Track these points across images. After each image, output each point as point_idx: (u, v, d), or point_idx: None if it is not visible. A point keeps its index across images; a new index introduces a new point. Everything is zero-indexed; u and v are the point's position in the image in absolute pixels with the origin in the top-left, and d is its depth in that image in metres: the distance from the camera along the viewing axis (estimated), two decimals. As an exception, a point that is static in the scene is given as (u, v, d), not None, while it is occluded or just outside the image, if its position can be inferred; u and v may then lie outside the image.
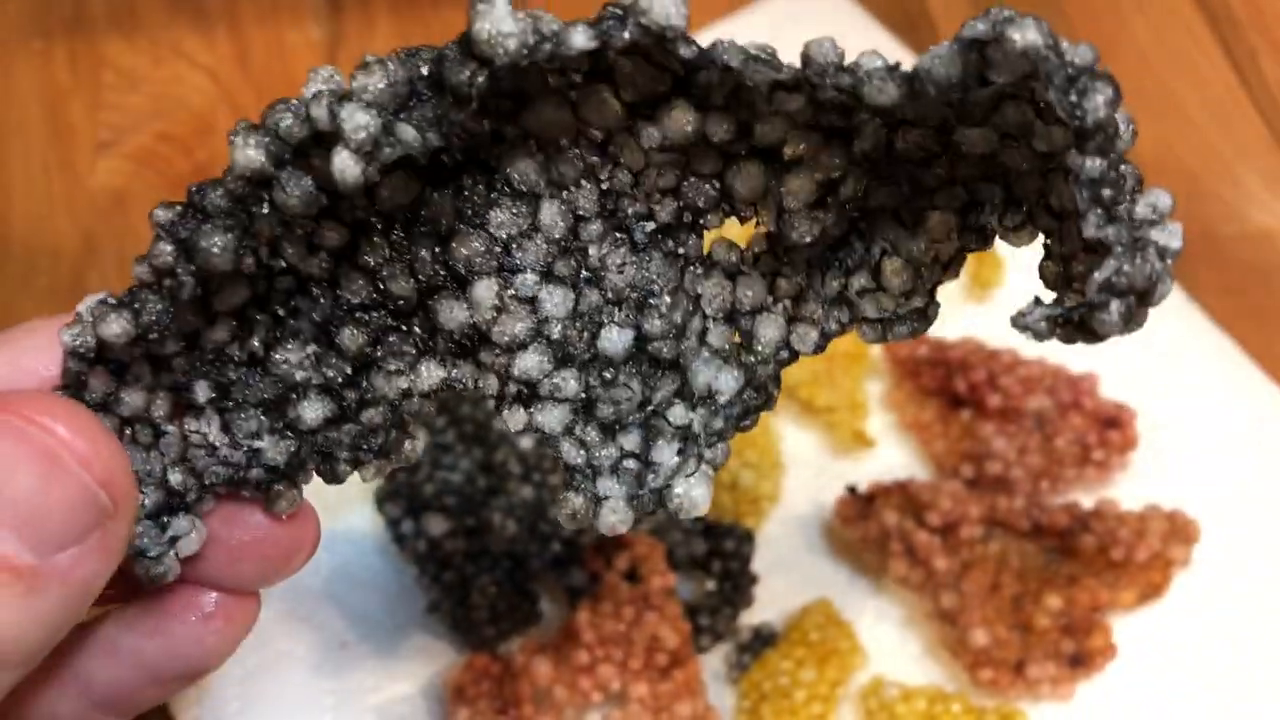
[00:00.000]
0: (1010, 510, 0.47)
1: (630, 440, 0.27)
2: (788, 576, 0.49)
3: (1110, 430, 0.49)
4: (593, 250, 0.26)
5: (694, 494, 0.26)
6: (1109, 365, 0.52)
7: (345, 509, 0.50)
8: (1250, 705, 0.46)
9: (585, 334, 0.26)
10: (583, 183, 0.26)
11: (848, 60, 0.25)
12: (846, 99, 0.24)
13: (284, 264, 0.26)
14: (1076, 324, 0.24)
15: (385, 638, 0.47)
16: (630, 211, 0.26)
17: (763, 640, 0.47)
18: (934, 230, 0.26)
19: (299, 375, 0.27)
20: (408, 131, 0.23)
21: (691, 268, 0.27)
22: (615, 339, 0.26)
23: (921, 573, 0.47)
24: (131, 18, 0.66)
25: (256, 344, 0.26)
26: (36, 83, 0.64)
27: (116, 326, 0.25)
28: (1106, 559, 0.46)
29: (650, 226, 0.26)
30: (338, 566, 0.49)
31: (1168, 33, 0.66)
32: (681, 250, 0.27)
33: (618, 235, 0.26)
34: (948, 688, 0.46)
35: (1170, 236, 0.24)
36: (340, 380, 0.27)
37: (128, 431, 0.26)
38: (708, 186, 0.26)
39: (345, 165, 0.23)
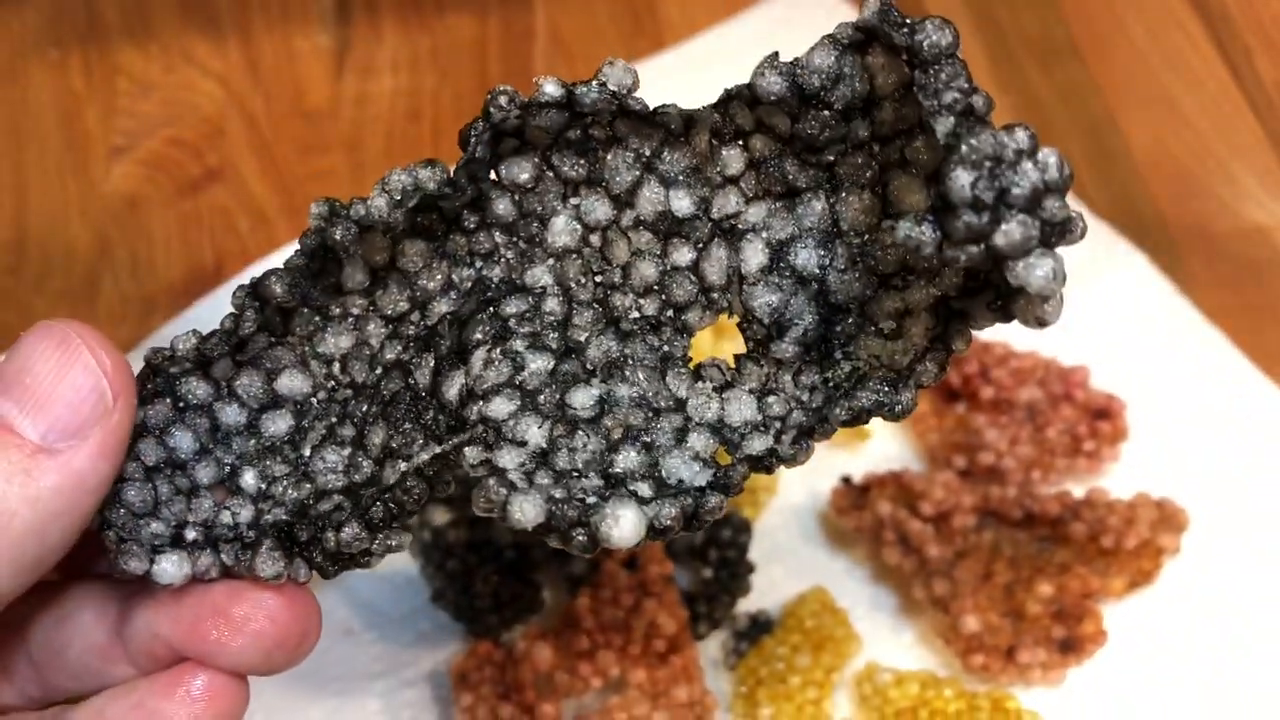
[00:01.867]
0: (1002, 499, 0.48)
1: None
2: (784, 565, 0.50)
3: (1101, 421, 0.50)
4: (581, 335, 0.29)
5: (621, 520, 0.26)
6: (1100, 358, 0.53)
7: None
8: (1238, 690, 0.46)
9: (557, 392, 0.28)
10: (583, 279, 0.29)
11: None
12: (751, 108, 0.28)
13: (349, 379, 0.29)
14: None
15: (390, 626, 0.49)
16: (619, 304, 0.29)
17: (759, 628, 0.48)
18: (912, 335, 0.28)
19: (332, 481, 0.29)
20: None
21: (676, 367, 0.29)
22: (581, 397, 0.28)
23: (915, 561, 0.48)
24: (144, 26, 0.67)
25: (308, 450, 0.29)
26: (52, 90, 0.65)
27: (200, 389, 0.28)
28: (1097, 547, 0.47)
29: (635, 316, 0.29)
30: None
31: (1163, 32, 0.67)
32: (666, 348, 0.29)
33: (606, 324, 0.29)
34: (940, 674, 0.47)
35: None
36: (362, 481, 0.29)
37: (164, 467, 0.28)
38: (685, 279, 0.29)
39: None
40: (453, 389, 0.28)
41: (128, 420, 0.26)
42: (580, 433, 0.28)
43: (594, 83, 0.27)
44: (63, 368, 0.25)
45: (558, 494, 0.27)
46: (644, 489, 0.27)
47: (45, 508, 0.25)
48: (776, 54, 0.27)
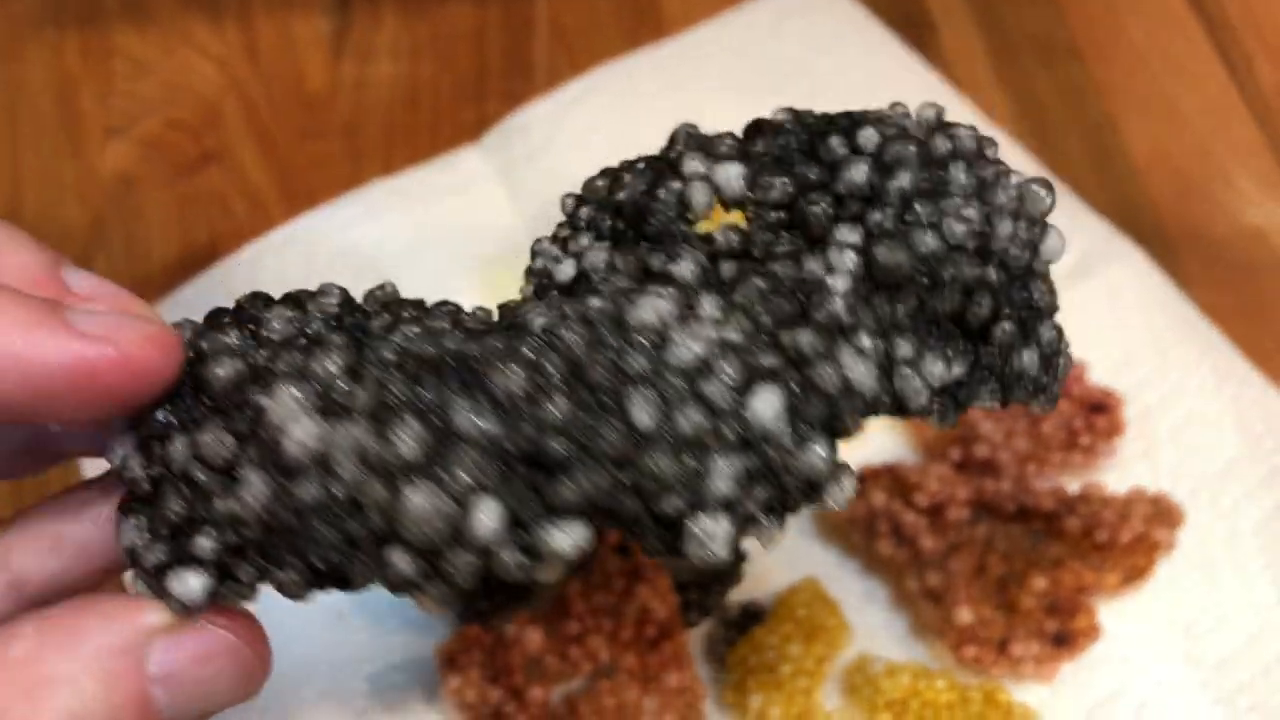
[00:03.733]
0: (997, 493, 0.48)
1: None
2: (776, 556, 0.50)
3: (1097, 415, 0.50)
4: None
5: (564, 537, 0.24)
6: (1097, 353, 0.52)
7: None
8: (1231, 685, 0.46)
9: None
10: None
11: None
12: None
13: None
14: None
15: (381, 610, 0.48)
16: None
17: (750, 617, 0.48)
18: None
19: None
20: None
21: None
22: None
23: (908, 552, 0.47)
24: (142, 8, 0.67)
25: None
26: (48, 71, 0.65)
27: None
28: (1091, 541, 0.47)
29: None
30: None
31: (1163, 36, 0.67)
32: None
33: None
34: (932, 666, 0.46)
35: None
36: None
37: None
38: None
39: None
40: None
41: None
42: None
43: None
44: None
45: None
46: None
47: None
48: None
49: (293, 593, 0.26)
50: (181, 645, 0.25)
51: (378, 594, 0.49)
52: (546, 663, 0.44)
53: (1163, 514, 0.47)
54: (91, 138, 0.63)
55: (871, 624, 0.48)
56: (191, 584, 0.25)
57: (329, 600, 0.49)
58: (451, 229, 0.58)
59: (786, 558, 0.50)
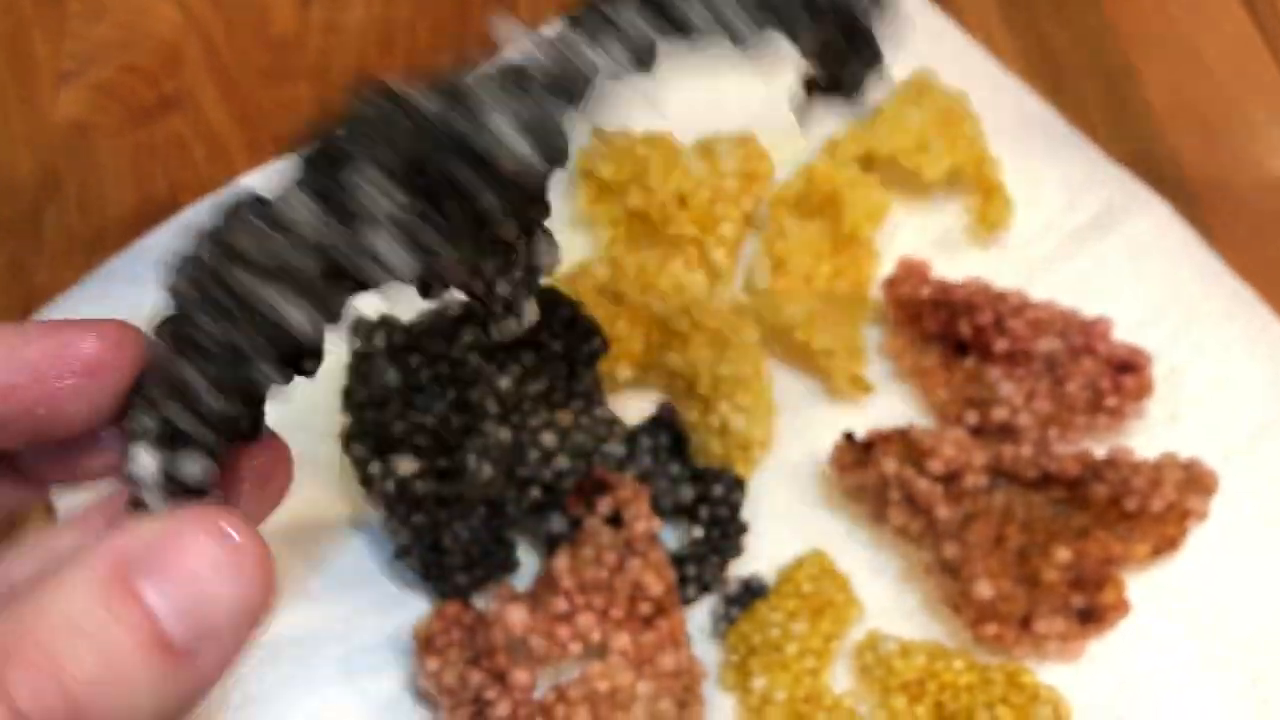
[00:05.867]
0: (1017, 459, 0.45)
1: None
2: (779, 527, 0.47)
3: (1124, 375, 0.46)
4: None
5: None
6: (1120, 310, 0.49)
7: (309, 451, 0.47)
8: (1270, 662, 0.43)
9: None
10: None
11: None
12: None
13: None
14: None
15: (350, 587, 0.45)
16: None
17: (752, 592, 0.44)
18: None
19: None
20: None
21: None
22: None
23: (922, 522, 0.44)
24: (98, -54, 0.63)
25: None
26: (-3, 13, 0.61)
27: None
28: (1119, 510, 0.44)
29: None
30: (300, 511, 0.46)
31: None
32: None
33: None
34: (949, 645, 0.43)
35: None
36: None
37: None
38: None
39: None
40: None
41: None
42: None
43: None
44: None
45: None
46: None
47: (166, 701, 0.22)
48: None
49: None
50: (163, 539, 0.23)
51: (346, 569, 0.45)
52: (532, 644, 0.40)
53: (1196, 480, 0.44)
54: (43, 84, 0.59)
55: (882, 600, 0.45)
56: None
57: (294, 578, 0.45)
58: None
59: (791, 529, 0.47)
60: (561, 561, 0.42)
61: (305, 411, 0.48)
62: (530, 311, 0.31)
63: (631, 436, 0.47)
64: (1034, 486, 0.45)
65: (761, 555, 0.46)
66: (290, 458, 0.29)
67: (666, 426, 0.47)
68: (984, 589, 0.42)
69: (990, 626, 0.42)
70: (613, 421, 0.47)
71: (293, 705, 0.42)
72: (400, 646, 0.43)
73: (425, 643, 0.41)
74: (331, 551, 0.45)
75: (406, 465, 0.43)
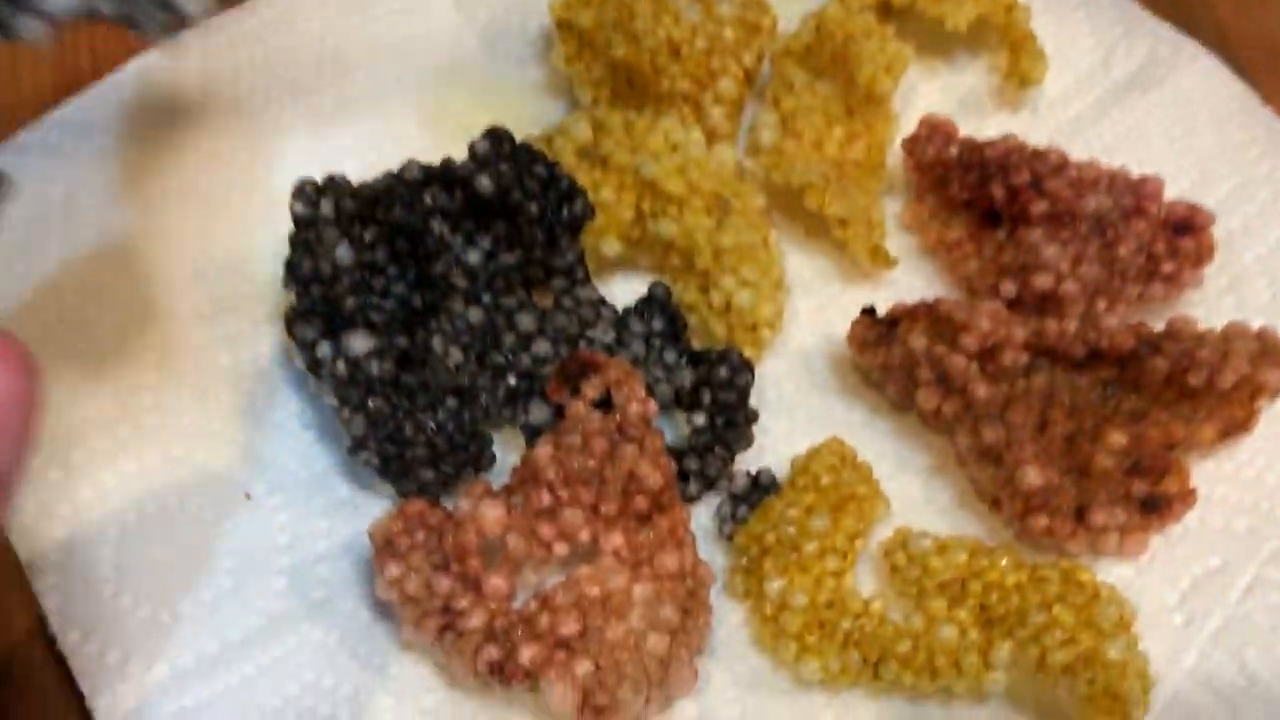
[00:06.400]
0: (1061, 334, 0.39)
1: None
2: (791, 418, 0.41)
3: (1182, 238, 0.41)
4: None
5: None
6: (1170, 171, 0.43)
7: (248, 334, 0.41)
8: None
9: None
10: None
11: None
12: None
13: None
14: None
15: (299, 488, 0.39)
16: None
17: (762, 488, 0.39)
18: None
19: None
20: None
21: None
22: None
23: (956, 405, 0.38)
24: None
25: None
26: None
27: None
28: (1180, 388, 0.38)
29: None
30: (240, 405, 0.40)
31: None
32: None
33: None
34: (989, 543, 0.37)
35: None
36: None
37: None
38: None
39: None
40: None
41: None
42: None
43: None
44: None
45: None
46: None
47: None
48: None
49: None
50: None
51: (293, 471, 0.39)
52: (510, 545, 0.35)
53: (1270, 353, 0.38)
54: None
55: (910, 495, 0.39)
56: None
57: (232, 478, 0.39)
58: (393, 42, 0.47)
59: (803, 419, 0.41)
60: (544, 450, 0.36)
61: (237, 292, 0.42)
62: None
63: (621, 320, 0.41)
64: (1079, 368, 0.39)
65: (771, 451, 0.40)
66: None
67: (660, 308, 0.41)
68: (1032, 476, 0.36)
69: (1040, 519, 0.36)
70: (599, 303, 0.41)
71: (234, 623, 0.36)
72: (357, 553, 0.37)
73: (384, 546, 0.35)
74: (276, 449, 0.39)
75: (360, 342, 0.37)
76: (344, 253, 0.38)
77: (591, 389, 0.37)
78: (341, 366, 0.37)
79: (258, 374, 0.40)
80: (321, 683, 0.36)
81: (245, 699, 0.35)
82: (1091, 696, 0.33)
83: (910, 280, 0.44)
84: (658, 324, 0.41)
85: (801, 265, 0.43)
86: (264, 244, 0.41)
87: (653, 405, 0.36)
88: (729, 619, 0.37)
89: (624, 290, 0.43)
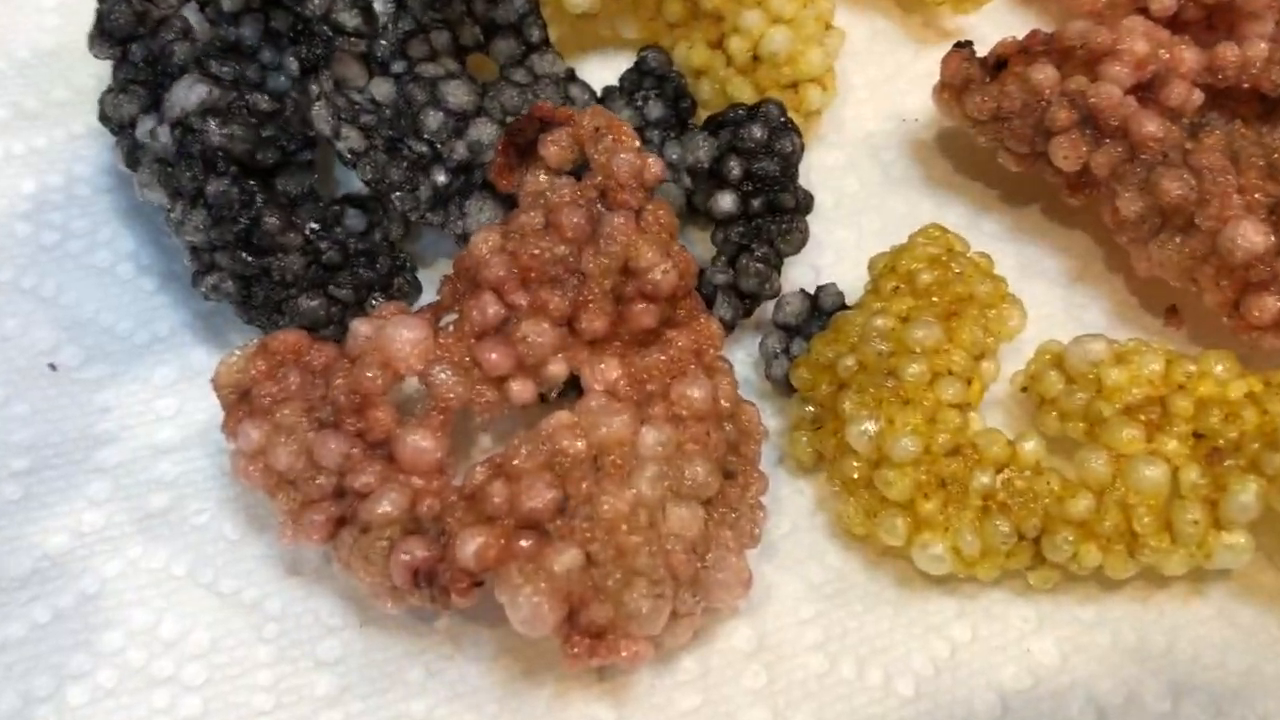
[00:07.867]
0: (1245, 62, 0.26)
1: None
2: (857, 226, 0.29)
3: None
4: None
5: None
6: None
7: (61, 150, 0.28)
8: None
9: None
10: None
11: None
12: None
13: None
14: None
15: (130, 355, 0.26)
16: None
17: (822, 310, 0.26)
18: None
19: None
20: None
21: None
22: None
23: (1114, 153, 0.25)
24: None
25: None
26: None
27: None
28: None
29: None
30: (45, 241, 0.27)
31: None
32: None
33: None
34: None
35: None
36: None
37: None
38: None
39: None
40: None
41: None
42: None
43: None
44: None
45: None
46: None
47: None
48: None
49: None
50: None
51: (112, 325, 0.26)
52: (436, 382, 0.22)
53: None
54: None
55: (1043, 311, 0.26)
56: None
57: (32, 341, 0.26)
58: None
59: (874, 224, 0.28)
60: (486, 239, 0.23)
61: (47, 97, 0.29)
62: None
63: (600, 104, 0.28)
64: (1268, 116, 0.26)
65: (830, 273, 0.27)
66: None
67: (657, 82, 0.28)
68: (1249, 233, 0.23)
69: (1268, 299, 0.23)
70: (566, 78, 0.28)
71: (21, 550, 0.23)
72: (215, 446, 0.24)
73: (238, 399, 0.22)
74: (97, 306, 0.26)
75: (190, 93, 0.24)
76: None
77: (556, 148, 0.23)
78: (164, 134, 0.24)
79: (72, 201, 0.27)
80: (159, 631, 0.22)
81: (33, 656, 0.22)
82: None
83: (1005, 16, 0.31)
84: (655, 108, 0.28)
85: (854, 28, 0.31)
86: (84, 37, 0.28)
87: (655, 161, 0.23)
88: (795, 503, 0.24)
89: (601, 72, 0.30)
